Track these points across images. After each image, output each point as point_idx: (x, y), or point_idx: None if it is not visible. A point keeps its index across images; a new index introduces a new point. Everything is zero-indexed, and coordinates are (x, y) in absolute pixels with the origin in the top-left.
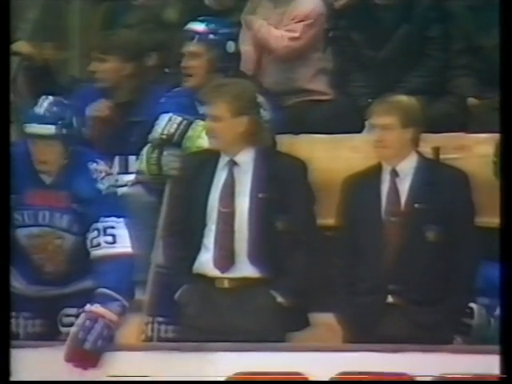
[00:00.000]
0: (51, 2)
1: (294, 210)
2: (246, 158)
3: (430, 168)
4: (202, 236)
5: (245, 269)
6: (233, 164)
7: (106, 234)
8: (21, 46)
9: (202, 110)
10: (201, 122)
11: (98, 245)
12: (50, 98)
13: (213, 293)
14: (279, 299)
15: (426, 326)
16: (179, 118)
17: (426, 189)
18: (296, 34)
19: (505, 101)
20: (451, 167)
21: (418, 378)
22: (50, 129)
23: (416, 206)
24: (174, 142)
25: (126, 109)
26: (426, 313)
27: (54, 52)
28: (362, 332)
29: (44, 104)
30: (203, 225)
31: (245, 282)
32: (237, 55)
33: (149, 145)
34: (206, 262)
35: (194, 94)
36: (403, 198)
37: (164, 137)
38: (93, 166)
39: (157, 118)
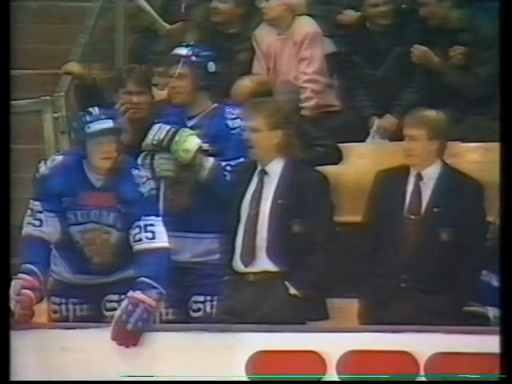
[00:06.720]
0: (99, 29)
1: (312, 217)
2: (276, 168)
3: (451, 176)
4: (236, 235)
5: (264, 263)
6: (264, 173)
7: (146, 231)
8: (72, 66)
9: (189, 123)
10: (186, 129)
11: (140, 240)
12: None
13: (241, 284)
14: (292, 291)
15: (428, 311)
16: (168, 126)
17: (446, 194)
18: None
19: (503, 108)
20: (469, 177)
21: (416, 356)
22: (108, 123)
23: (435, 209)
24: (163, 146)
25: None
26: (429, 300)
27: (101, 72)
28: (376, 312)
29: (94, 112)
30: (238, 225)
31: (264, 275)
32: (217, 74)
33: (143, 152)
34: (237, 257)
35: (183, 109)
36: (424, 201)
37: (155, 142)
38: (135, 172)
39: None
